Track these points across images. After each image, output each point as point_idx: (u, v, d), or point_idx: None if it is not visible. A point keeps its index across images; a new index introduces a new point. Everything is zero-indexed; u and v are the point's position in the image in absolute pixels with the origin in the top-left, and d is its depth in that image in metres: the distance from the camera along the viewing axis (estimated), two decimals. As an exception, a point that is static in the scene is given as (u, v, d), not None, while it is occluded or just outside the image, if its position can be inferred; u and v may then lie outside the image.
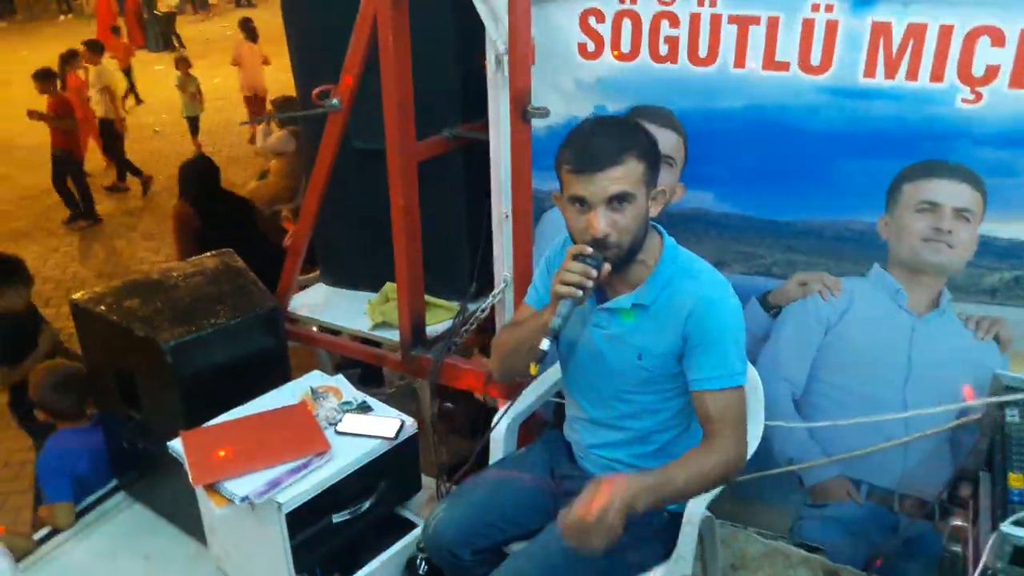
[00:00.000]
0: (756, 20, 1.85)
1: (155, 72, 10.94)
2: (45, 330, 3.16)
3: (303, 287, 2.92)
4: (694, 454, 1.49)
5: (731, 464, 1.48)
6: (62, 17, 19.05)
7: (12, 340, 3.06)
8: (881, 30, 1.75)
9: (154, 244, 6.16)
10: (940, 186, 1.81)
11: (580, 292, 1.43)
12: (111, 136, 7.14)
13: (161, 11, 14.24)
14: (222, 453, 1.86)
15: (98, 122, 7.06)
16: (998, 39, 1.66)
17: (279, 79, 6.95)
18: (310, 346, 2.86)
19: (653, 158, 1.49)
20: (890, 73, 1.77)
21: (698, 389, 1.51)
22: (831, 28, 1.79)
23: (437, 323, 2.47)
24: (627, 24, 1.99)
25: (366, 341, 2.61)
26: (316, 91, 2.20)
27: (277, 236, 3.81)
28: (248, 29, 8.14)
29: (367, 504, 1.95)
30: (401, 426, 1.98)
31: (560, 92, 2.12)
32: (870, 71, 1.78)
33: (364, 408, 2.06)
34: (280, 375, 2.30)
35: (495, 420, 1.82)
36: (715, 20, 1.89)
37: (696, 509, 1.61)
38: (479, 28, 2.00)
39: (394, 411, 2.06)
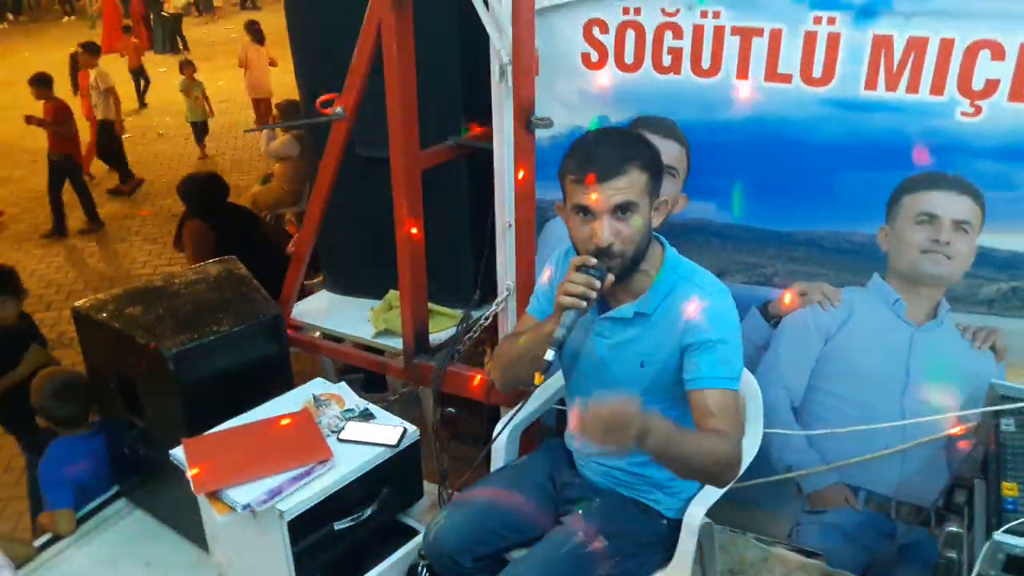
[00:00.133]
0: (759, 32, 1.87)
1: (159, 74, 10.96)
2: (32, 350, 3.07)
3: (309, 293, 2.93)
4: (707, 433, 1.47)
5: (731, 459, 1.46)
6: (65, 18, 19.10)
7: (1, 352, 3.01)
8: (882, 43, 1.76)
9: (157, 248, 6.18)
10: (939, 198, 1.83)
11: (584, 303, 1.44)
12: (110, 138, 7.14)
13: (168, 13, 14.28)
14: (224, 460, 1.87)
15: (98, 124, 7.04)
16: (998, 53, 1.67)
17: (285, 82, 6.96)
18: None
19: (656, 169, 1.51)
20: (891, 86, 1.78)
21: (696, 388, 1.50)
22: (833, 41, 1.80)
23: (440, 331, 2.49)
24: (631, 35, 2.01)
25: (369, 348, 2.62)
26: (320, 99, 2.22)
27: (281, 240, 3.81)
28: (254, 31, 8.17)
29: (369, 511, 1.95)
30: (403, 434, 1.98)
31: (563, 102, 2.14)
32: (871, 84, 1.80)
33: (366, 416, 2.07)
34: (283, 382, 2.30)
35: (497, 429, 1.83)
36: (718, 32, 1.90)
37: (695, 515, 1.63)
38: (483, 37, 2.02)
39: (396, 419, 2.06)
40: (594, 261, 1.46)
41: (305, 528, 1.82)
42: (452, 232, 2.55)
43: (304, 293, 3.08)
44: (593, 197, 1.45)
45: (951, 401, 1.96)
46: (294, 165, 5.16)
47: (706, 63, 1.94)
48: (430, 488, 2.24)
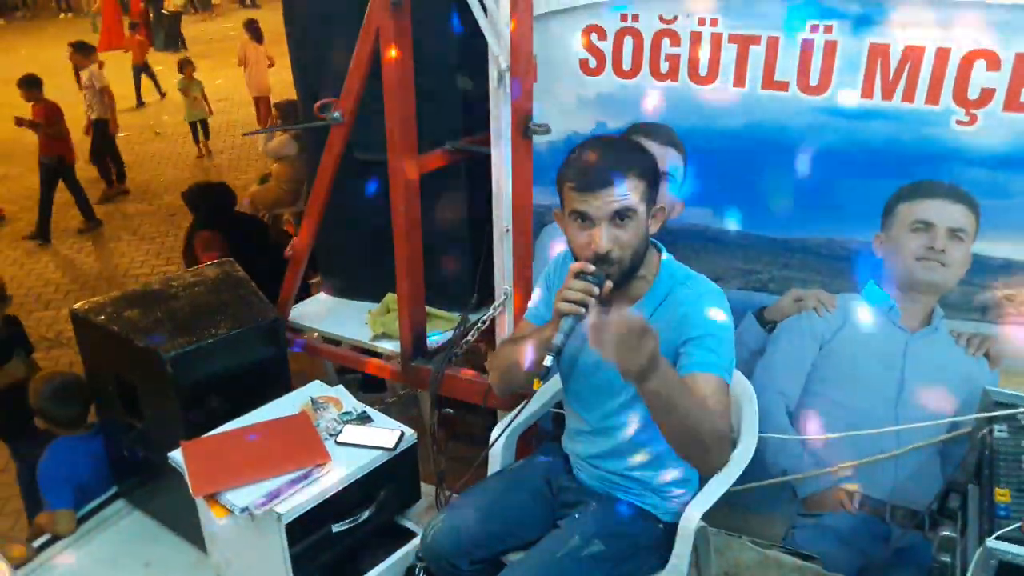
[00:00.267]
0: (756, 40, 1.88)
1: (157, 72, 10.95)
2: (12, 363, 3.06)
3: (312, 291, 2.93)
4: (703, 401, 1.45)
5: (719, 433, 1.44)
6: (62, 15, 19.07)
7: None
8: (879, 52, 1.77)
9: (154, 247, 6.18)
10: (934, 206, 1.84)
11: (582, 309, 1.45)
12: (104, 137, 7.11)
13: (167, 10, 14.27)
14: (222, 463, 1.88)
15: (92, 123, 6.99)
16: (993, 63, 1.68)
17: (283, 79, 6.97)
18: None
19: (653, 176, 1.52)
20: (887, 95, 1.79)
21: (688, 372, 1.48)
22: (830, 49, 1.81)
23: (438, 334, 2.49)
24: (628, 41, 2.02)
25: (367, 351, 2.63)
26: (318, 104, 2.22)
27: (283, 242, 3.81)
28: (253, 30, 8.17)
29: (366, 514, 1.97)
30: (400, 437, 2.00)
31: (561, 108, 2.15)
32: (868, 92, 1.81)
33: (364, 419, 2.08)
34: (281, 385, 2.32)
35: (494, 434, 1.84)
36: (715, 39, 1.91)
37: (691, 519, 1.64)
38: (482, 43, 2.02)
39: (394, 422, 2.08)
40: (592, 268, 1.47)
41: (303, 530, 1.84)
42: (449, 236, 2.55)
43: (307, 292, 3.09)
44: (591, 204, 1.46)
45: (945, 407, 1.97)
46: (292, 165, 5.17)
47: (703, 70, 1.95)
48: (428, 489, 2.25)
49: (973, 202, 1.80)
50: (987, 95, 1.71)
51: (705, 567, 1.89)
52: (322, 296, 2.94)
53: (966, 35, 1.69)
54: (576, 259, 1.53)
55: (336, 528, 1.92)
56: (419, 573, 1.92)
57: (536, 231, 2.23)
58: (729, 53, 1.91)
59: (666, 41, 1.97)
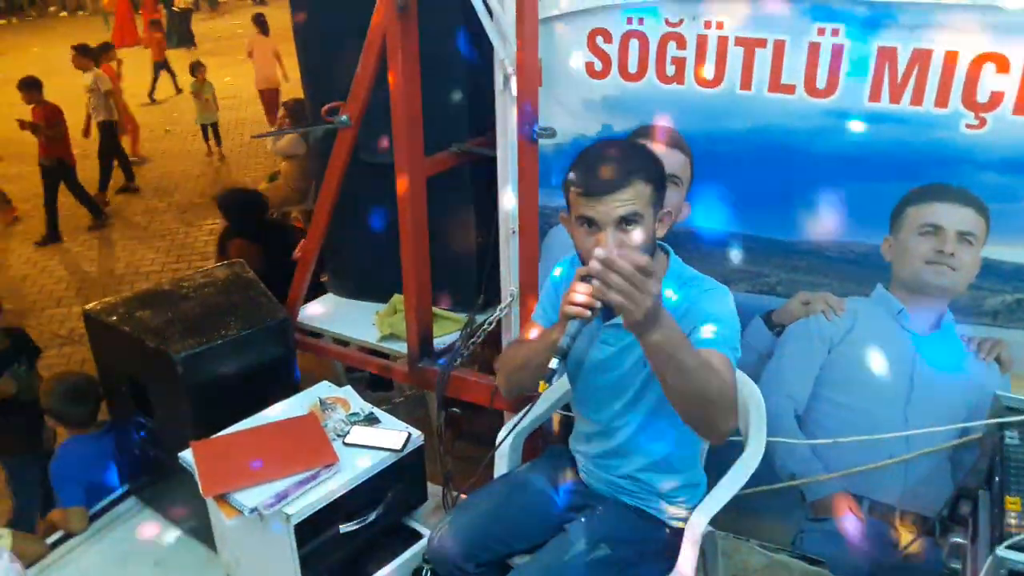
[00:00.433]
0: (762, 43, 1.87)
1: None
2: (4, 376, 2.99)
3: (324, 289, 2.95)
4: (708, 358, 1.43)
5: (726, 393, 1.41)
6: (63, 13, 19.22)
7: None
8: (887, 55, 1.76)
9: (165, 244, 6.22)
10: (943, 209, 1.83)
11: (588, 313, 1.45)
12: (112, 138, 7.12)
13: (178, 8, 14.35)
14: (232, 464, 1.89)
15: (99, 125, 6.99)
16: (1003, 66, 1.67)
17: (292, 76, 7.00)
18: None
19: (660, 180, 1.52)
20: (895, 98, 1.78)
21: (697, 348, 1.44)
22: (837, 52, 1.80)
23: (444, 335, 2.50)
24: (634, 44, 2.01)
25: (374, 352, 2.64)
26: (325, 107, 2.23)
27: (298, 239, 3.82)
28: (260, 23, 8.25)
29: (374, 515, 1.98)
30: (408, 438, 2.01)
31: (567, 110, 2.14)
32: (875, 95, 1.80)
33: (371, 420, 2.09)
34: (289, 385, 2.33)
35: (500, 436, 1.85)
36: (722, 42, 1.90)
37: (697, 524, 1.64)
38: (487, 46, 2.03)
39: (401, 423, 2.09)
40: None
41: (311, 531, 1.85)
42: (456, 237, 2.56)
43: (320, 290, 3.09)
44: (597, 209, 1.46)
45: (955, 412, 1.96)
46: (300, 163, 5.18)
47: (709, 73, 1.94)
48: (434, 490, 2.26)
49: (982, 206, 1.79)
50: (996, 98, 1.70)
51: (712, 572, 1.89)
52: (330, 297, 2.95)
53: (975, 38, 1.67)
54: (583, 263, 1.53)
55: (344, 529, 1.93)
56: (426, 575, 1.94)
57: (542, 233, 2.23)
58: (735, 56, 1.90)
59: (672, 44, 1.96)
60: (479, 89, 2.29)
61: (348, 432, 2.03)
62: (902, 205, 1.87)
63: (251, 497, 1.80)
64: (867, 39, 1.77)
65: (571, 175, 1.52)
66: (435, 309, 2.48)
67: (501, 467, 1.90)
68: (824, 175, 1.91)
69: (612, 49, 2.04)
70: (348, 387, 2.26)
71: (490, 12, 1.96)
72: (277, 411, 2.13)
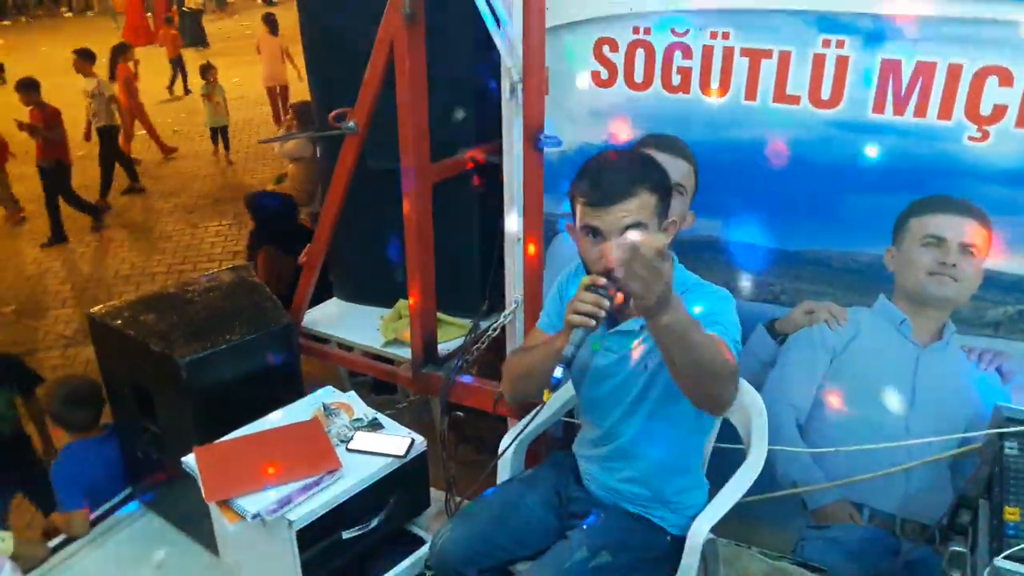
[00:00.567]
0: (768, 54, 1.88)
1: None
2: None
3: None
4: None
5: (732, 367, 1.45)
6: (68, 13, 19.30)
7: None
8: (891, 67, 1.77)
9: (171, 245, 6.24)
10: (946, 221, 1.83)
11: (593, 322, 1.46)
12: (112, 143, 7.12)
13: (189, 8, 14.45)
14: (235, 469, 1.90)
15: (99, 131, 6.98)
16: (1006, 79, 1.68)
17: (303, 73, 7.01)
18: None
19: (665, 190, 1.53)
20: (899, 110, 1.79)
21: None
22: (841, 64, 1.81)
23: (449, 341, 2.51)
24: (641, 54, 2.02)
25: (378, 357, 2.65)
26: (333, 114, 2.24)
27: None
28: (269, 22, 8.32)
29: (376, 521, 1.98)
30: (411, 444, 2.01)
31: (573, 119, 2.15)
32: (879, 107, 1.81)
33: (375, 425, 2.10)
34: (293, 390, 2.34)
35: (504, 443, 1.86)
36: (727, 53, 1.91)
37: (699, 532, 1.64)
38: (495, 54, 2.04)
39: (404, 429, 2.09)
40: (603, 281, 1.47)
41: (314, 537, 1.86)
42: (461, 243, 2.57)
43: (330, 289, 3.08)
44: (603, 219, 1.47)
45: (956, 422, 1.96)
46: (308, 166, 5.20)
47: (715, 83, 1.95)
48: (437, 495, 2.27)
49: (985, 217, 1.79)
50: (999, 111, 1.70)
51: (712, 579, 1.90)
52: (335, 301, 2.96)
53: (978, 51, 1.68)
54: (588, 271, 1.54)
55: (346, 535, 1.93)
56: (428, 581, 1.95)
57: (547, 240, 2.24)
58: (741, 67, 1.91)
59: (678, 54, 1.97)
60: (485, 97, 2.30)
61: (351, 438, 2.04)
62: (905, 216, 1.88)
63: (254, 502, 1.81)
64: (872, 51, 1.78)
65: (577, 184, 1.53)
66: (439, 314, 2.49)
67: (504, 473, 1.91)
68: (828, 185, 1.92)
69: (618, 58, 2.05)
70: (352, 392, 2.27)
71: (498, 21, 1.97)
72: (280, 416, 2.14)
